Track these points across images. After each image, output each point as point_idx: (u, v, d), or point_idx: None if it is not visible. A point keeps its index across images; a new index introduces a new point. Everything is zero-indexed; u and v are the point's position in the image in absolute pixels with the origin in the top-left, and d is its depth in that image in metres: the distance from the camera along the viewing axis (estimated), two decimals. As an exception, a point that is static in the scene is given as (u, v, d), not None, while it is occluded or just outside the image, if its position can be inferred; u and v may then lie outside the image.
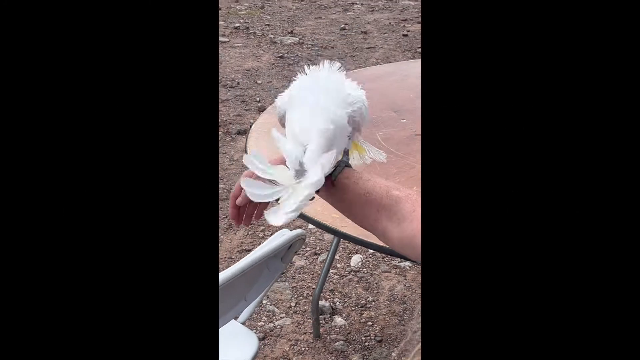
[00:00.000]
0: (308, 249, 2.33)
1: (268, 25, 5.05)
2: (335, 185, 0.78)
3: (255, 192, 0.65)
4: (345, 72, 0.81)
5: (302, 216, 1.16)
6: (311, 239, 2.38)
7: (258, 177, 0.67)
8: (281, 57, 4.32)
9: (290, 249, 1.18)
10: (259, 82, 3.88)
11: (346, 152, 0.84)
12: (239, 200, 0.81)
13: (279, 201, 0.65)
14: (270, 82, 3.89)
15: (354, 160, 0.93)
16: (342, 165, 0.80)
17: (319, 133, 0.71)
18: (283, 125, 0.81)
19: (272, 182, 0.66)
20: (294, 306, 2.06)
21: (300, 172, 0.66)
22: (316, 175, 0.65)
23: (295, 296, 2.10)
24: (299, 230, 1.12)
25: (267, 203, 0.91)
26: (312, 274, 2.20)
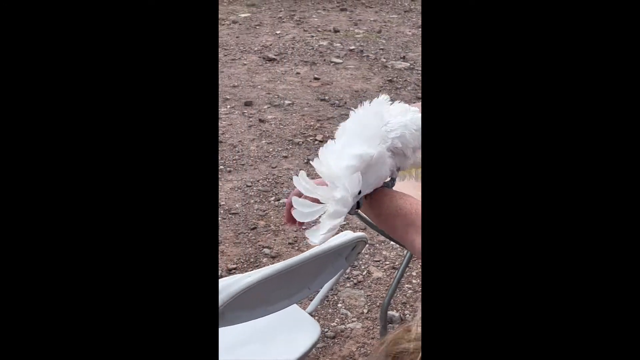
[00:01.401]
0: (387, 262, 2.47)
1: (382, 49, 5.24)
2: (374, 200, 0.92)
3: (300, 210, 0.82)
4: (391, 102, 0.92)
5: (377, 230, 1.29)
6: (392, 253, 2.52)
7: (305, 196, 0.83)
8: (390, 80, 4.49)
9: (353, 250, 1.34)
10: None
11: (393, 178, 0.96)
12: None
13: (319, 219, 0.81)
14: (376, 103, 4.06)
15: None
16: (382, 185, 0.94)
17: (344, 177, 0.81)
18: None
19: (316, 201, 0.82)
20: (366, 312, 2.20)
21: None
22: (343, 203, 0.79)
23: (369, 304, 2.25)
24: (360, 233, 1.28)
25: None
26: (388, 286, 2.33)
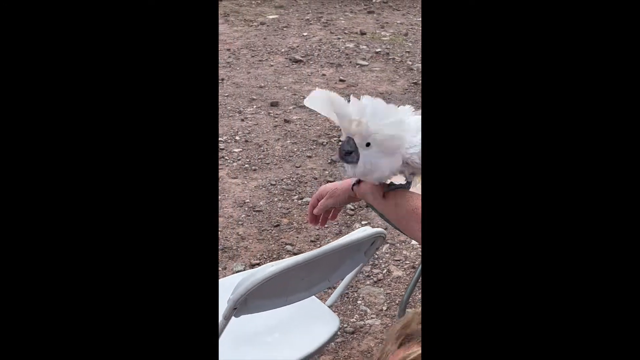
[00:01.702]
0: (407, 262, 2.51)
1: (408, 52, 5.27)
2: (391, 201, 0.97)
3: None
4: (416, 114, 0.96)
5: (398, 228, 1.34)
6: (412, 253, 2.55)
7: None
8: (415, 83, 4.52)
9: (372, 245, 1.38)
10: (389, 105, 4.11)
11: (409, 182, 1.01)
12: (316, 211, 1.10)
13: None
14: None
15: None
16: (392, 187, 0.99)
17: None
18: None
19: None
20: (385, 310, 2.25)
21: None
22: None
23: (388, 301, 2.29)
24: (379, 229, 1.33)
25: (339, 210, 1.15)
26: (407, 285, 2.37)
